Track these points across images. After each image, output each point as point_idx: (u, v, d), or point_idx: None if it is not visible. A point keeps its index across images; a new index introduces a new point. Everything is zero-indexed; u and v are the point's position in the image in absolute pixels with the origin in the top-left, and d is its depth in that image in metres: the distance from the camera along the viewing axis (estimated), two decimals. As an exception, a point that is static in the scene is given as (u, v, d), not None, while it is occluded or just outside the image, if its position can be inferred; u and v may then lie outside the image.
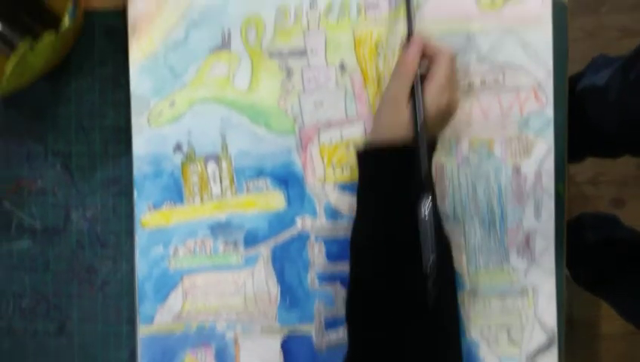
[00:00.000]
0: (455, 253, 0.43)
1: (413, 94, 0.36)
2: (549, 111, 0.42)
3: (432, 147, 0.38)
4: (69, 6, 0.38)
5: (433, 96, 0.36)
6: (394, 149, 0.36)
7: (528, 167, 0.42)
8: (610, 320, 1.03)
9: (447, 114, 0.37)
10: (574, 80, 0.79)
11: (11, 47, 0.44)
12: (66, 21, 0.38)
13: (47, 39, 0.37)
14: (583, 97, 0.73)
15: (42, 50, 0.37)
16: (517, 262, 0.43)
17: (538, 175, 0.42)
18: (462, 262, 0.43)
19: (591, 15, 1.00)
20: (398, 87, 0.37)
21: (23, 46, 0.35)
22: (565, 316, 0.43)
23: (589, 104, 0.72)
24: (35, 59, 0.37)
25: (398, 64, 0.38)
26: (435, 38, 0.42)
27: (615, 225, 0.94)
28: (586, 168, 1.00)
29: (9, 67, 0.34)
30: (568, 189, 1.08)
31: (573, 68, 0.82)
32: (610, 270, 0.84)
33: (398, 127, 0.36)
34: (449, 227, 0.43)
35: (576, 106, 0.63)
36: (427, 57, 0.38)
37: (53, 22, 0.45)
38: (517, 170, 0.43)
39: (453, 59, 0.37)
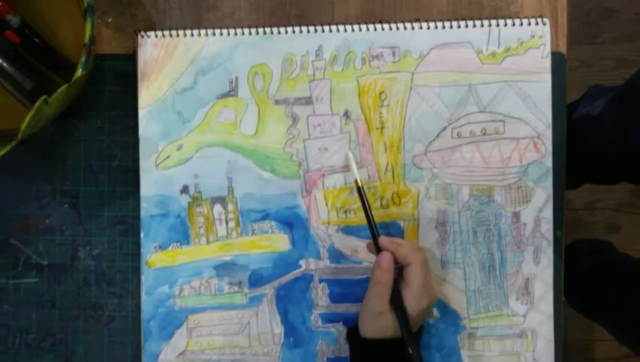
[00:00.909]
0: (456, 296, 0.44)
1: (394, 301, 0.39)
2: (548, 161, 0.43)
3: (418, 335, 0.41)
4: (82, 57, 0.39)
5: (414, 301, 0.38)
6: (383, 342, 0.39)
7: (527, 214, 0.44)
8: (604, 345, 1.04)
9: (428, 309, 0.39)
10: (570, 109, 0.81)
11: (23, 92, 0.45)
12: (79, 72, 0.39)
13: (61, 90, 0.38)
14: (579, 126, 0.75)
15: (55, 101, 0.38)
16: (516, 305, 0.44)
17: (537, 222, 0.44)
18: (462, 304, 0.44)
19: (587, 45, 1.02)
20: (377, 301, 0.39)
21: (39, 101, 0.35)
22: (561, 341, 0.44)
23: (585, 132, 0.73)
24: (49, 110, 0.38)
25: (373, 277, 0.40)
26: (436, 90, 0.44)
27: (610, 251, 0.95)
28: (582, 194, 1.02)
29: (26, 120, 0.35)
30: (564, 215, 1.09)
31: (570, 96, 0.84)
32: (605, 295, 0.85)
33: (383, 331, 0.38)
34: (451, 272, 0.44)
35: (572, 134, 0.65)
36: (400, 263, 0.40)
37: (64, 66, 0.46)
38: (516, 217, 0.44)
39: (424, 261, 0.39)
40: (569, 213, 1.02)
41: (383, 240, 0.40)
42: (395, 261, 0.39)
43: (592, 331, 1.04)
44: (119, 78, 0.47)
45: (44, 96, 0.36)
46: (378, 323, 0.39)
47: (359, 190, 0.42)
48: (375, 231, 0.41)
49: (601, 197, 1.02)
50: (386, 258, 0.39)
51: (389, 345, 0.38)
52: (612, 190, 1.02)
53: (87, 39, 0.39)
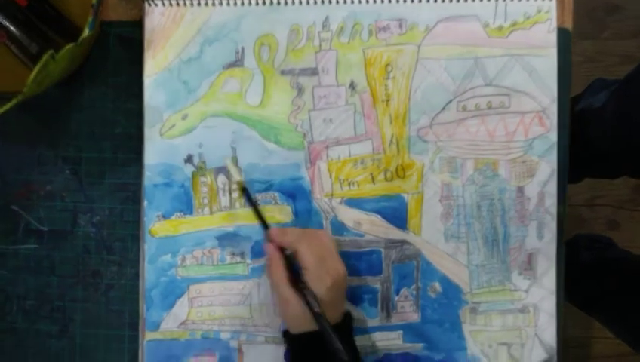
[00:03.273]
0: (458, 270, 0.44)
1: (297, 288, 0.38)
2: (553, 136, 0.43)
3: (349, 318, 0.41)
4: (89, 18, 0.39)
5: (316, 281, 0.38)
6: (305, 337, 0.38)
7: (532, 189, 0.44)
8: (602, 342, 1.03)
9: (338, 284, 0.39)
10: (573, 102, 0.81)
11: (29, 55, 0.45)
12: (85, 32, 0.39)
13: (67, 48, 0.38)
14: (581, 118, 0.75)
15: (62, 59, 0.38)
16: (519, 280, 0.44)
17: (541, 196, 0.44)
18: (465, 279, 0.44)
19: (592, 40, 1.02)
20: (279, 290, 0.39)
21: (46, 56, 0.35)
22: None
23: (587, 125, 0.73)
24: (55, 67, 0.38)
25: (266, 269, 0.41)
26: (442, 63, 0.44)
27: (609, 247, 0.95)
28: (583, 190, 1.02)
29: (32, 74, 0.35)
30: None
31: (574, 91, 0.84)
32: (604, 290, 0.85)
33: (304, 323, 0.38)
34: (454, 246, 0.44)
35: (574, 127, 0.65)
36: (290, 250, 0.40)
37: (70, 31, 0.46)
38: (521, 191, 0.44)
39: (312, 242, 0.39)
40: (570, 209, 1.02)
41: (272, 231, 0.41)
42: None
43: (590, 328, 1.03)
44: (125, 46, 0.47)
45: (50, 51, 0.36)
46: (292, 310, 0.38)
47: (243, 190, 0.43)
48: (265, 225, 0.42)
49: (602, 193, 1.02)
50: (266, 248, 0.41)
51: (317, 336, 0.38)
52: (613, 187, 1.02)
53: (94, 0, 0.39)
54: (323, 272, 0.38)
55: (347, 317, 0.41)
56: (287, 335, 0.40)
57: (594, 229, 1.03)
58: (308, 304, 0.37)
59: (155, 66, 0.46)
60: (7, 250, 0.47)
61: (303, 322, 0.38)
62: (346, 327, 0.40)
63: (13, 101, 0.37)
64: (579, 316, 0.95)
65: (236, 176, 0.43)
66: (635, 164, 0.71)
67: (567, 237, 0.97)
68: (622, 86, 0.68)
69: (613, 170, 0.82)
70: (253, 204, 0.43)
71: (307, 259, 0.38)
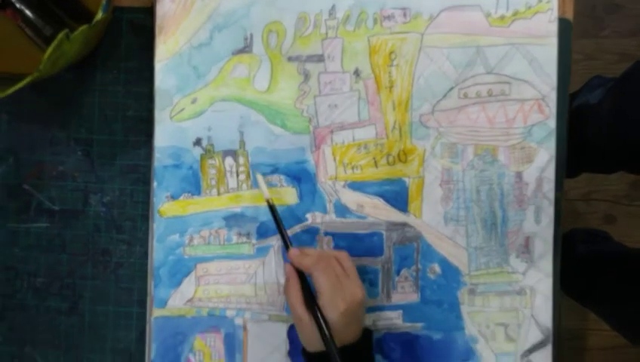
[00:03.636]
0: (457, 253, 0.46)
1: (311, 310, 0.39)
2: (552, 123, 0.45)
3: (368, 336, 0.41)
4: (103, 0, 0.40)
5: (329, 307, 0.39)
6: (320, 356, 0.39)
7: (530, 174, 0.45)
8: (598, 333, 1.05)
9: (352, 309, 0.39)
10: (570, 98, 0.82)
11: (43, 38, 0.47)
12: (99, 14, 0.41)
13: (81, 30, 0.39)
14: (578, 115, 0.76)
15: (76, 40, 0.39)
16: (516, 263, 0.45)
17: (539, 182, 0.45)
18: (463, 261, 0.45)
19: (591, 38, 1.04)
20: (294, 310, 0.40)
21: (61, 35, 0.37)
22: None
23: (584, 121, 0.75)
24: (69, 47, 0.39)
25: (284, 287, 0.41)
26: (444, 51, 0.45)
27: (606, 240, 0.97)
28: (580, 185, 1.03)
29: (47, 52, 0.36)
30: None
31: (572, 88, 0.86)
32: (599, 282, 0.87)
33: (315, 341, 0.39)
34: (453, 229, 0.46)
35: (571, 123, 0.66)
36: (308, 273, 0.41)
37: (84, 15, 0.48)
38: (519, 177, 0.45)
39: (328, 267, 0.40)
40: (567, 204, 1.03)
41: (291, 252, 0.42)
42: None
43: (587, 320, 1.05)
44: (136, 31, 0.48)
45: (65, 30, 0.37)
46: (305, 330, 0.39)
47: (271, 208, 0.44)
48: (286, 245, 0.42)
49: (598, 188, 1.03)
50: (285, 268, 0.42)
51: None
52: (610, 182, 1.03)
53: (109, -16, 0.41)
54: (337, 297, 0.39)
55: (366, 335, 0.41)
56: (304, 351, 0.41)
57: (591, 223, 1.04)
58: (319, 327, 0.38)
59: (165, 51, 0.47)
60: (19, 229, 0.49)
61: (316, 342, 0.39)
62: (365, 345, 0.41)
63: (29, 78, 0.38)
64: (575, 308, 0.96)
65: (265, 193, 0.44)
66: (630, 160, 0.72)
67: (564, 230, 0.99)
68: (618, 83, 0.70)
69: (609, 165, 0.83)
70: (279, 223, 0.43)
71: (322, 284, 0.39)
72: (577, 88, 0.86)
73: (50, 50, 0.36)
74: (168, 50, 0.47)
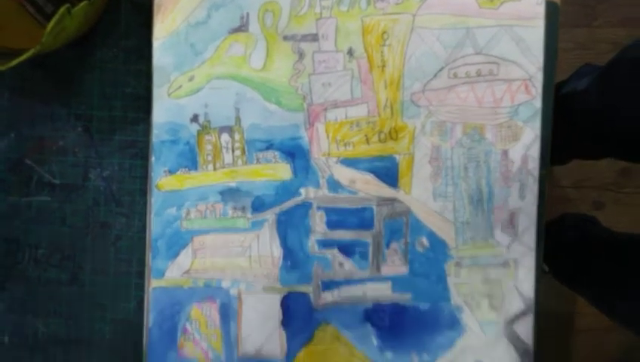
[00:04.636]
0: (445, 227, 0.47)
1: None
2: (538, 103, 0.46)
3: None
4: (105, -22, 0.42)
5: None
6: None
7: (516, 152, 0.47)
8: (586, 316, 1.08)
9: None
10: (560, 86, 0.84)
11: (44, 15, 0.48)
12: (101, -9, 0.42)
13: (82, 5, 0.40)
14: (566, 101, 0.78)
15: (77, 15, 0.40)
16: (501, 237, 0.47)
17: (524, 159, 0.47)
18: (451, 235, 0.47)
19: (583, 28, 1.05)
20: None
21: (62, 9, 0.38)
22: (542, 310, 0.47)
23: (571, 108, 0.76)
24: (70, 22, 0.40)
25: None
26: (435, 32, 0.46)
27: (594, 225, 0.99)
28: (570, 172, 1.05)
29: (49, 26, 0.38)
30: (552, 192, 1.14)
31: (564, 77, 0.87)
32: (587, 265, 0.89)
33: None
34: (441, 204, 0.47)
35: (560, 110, 0.67)
36: None
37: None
38: (505, 154, 0.47)
39: None
40: (557, 190, 1.06)
41: None
42: None
43: (575, 303, 1.07)
44: (135, 10, 0.49)
45: (67, 5, 0.38)
46: None
47: None
48: None
49: (588, 175, 1.05)
50: None
51: None
52: (599, 170, 1.06)
53: (110, -39, 0.42)
54: None
55: None
56: None
57: (580, 210, 1.06)
58: None
59: (163, 30, 0.48)
60: (21, 202, 0.50)
61: None
62: None
63: (31, 51, 0.39)
64: (564, 292, 0.98)
65: None
66: (618, 146, 0.74)
67: (554, 216, 1.01)
68: (605, 70, 0.71)
69: (597, 151, 0.85)
70: None
71: None
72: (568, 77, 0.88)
73: (52, 23, 0.38)
74: (166, 28, 0.48)
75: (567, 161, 0.96)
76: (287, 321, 0.48)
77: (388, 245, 0.48)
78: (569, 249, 0.95)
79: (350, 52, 0.48)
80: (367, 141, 0.48)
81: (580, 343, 1.10)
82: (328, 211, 0.48)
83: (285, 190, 0.48)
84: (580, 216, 0.99)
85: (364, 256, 0.48)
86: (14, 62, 0.39)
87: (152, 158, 0.48)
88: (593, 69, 0.81)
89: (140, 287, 0.49)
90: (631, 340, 1.10)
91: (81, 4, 0.40)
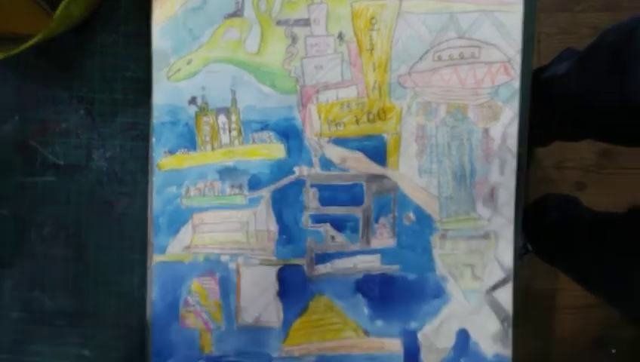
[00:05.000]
0: (430, 201, 0.50)
1: None
2: (516, 84, 0.49)
3: None
4: (106, -34, 0.44)
5: None
6: None
7: (496, 130, 0.50)
8: (568, 293, 1.12)
9: None
10: (541, 70, 0.87)
11: (47, 1, 0.49)
12: (103, -22, 0.44)
13: (86, -7, 0.42)
14: (547, 85, 0.81)
15: (82, 1, 0.42)
16: (482, 210, 0.50)
17: (504, 137, 0.50)
18: (436, 209, 0.50)
19: (566, 12, 1.08)
20: None
21: (69, -4, 0.40)
22: (525, 288, 0.50)
23: (551, 91, 0.79)
24: (75, 8, 0.42)
25: None
26: (421, 17, 0.49)
27: (576, 205, 1.03)
28: (552, 154, 1.09)
29: (57, 13, 0.40)
30: (535, 173, 1.17)
31: (546, 61, 0.90)
32: (569, 243, 0.93)
33: None
34: (427, 180, 0.50)
35: (540, 94, 0.70)
36: None
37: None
38: (486, 133, 0.50)
39: None
40: (539, 171, 1.09)
41: None
42: None
43: (557, 280, 1.12)
44: (134, -4, 0.51)
45: (73, -8, 0.40)
46: None
47: None
48: None
49: (570, 157, 1.09)
50: None
51: None
52: (581, 151, 1.09)
53: (110, -50, 0.44)
54: None
55: None
56: None
57: (562, 190, 1.10)
58: None
59: (162, 15, 0.50)
60: (26, 182, 0.52)
61: None
62: None
63: (38, 37, 0.41)
64: (546, 269, 1.02)
65: None
66: (596, 130, 0.77)
67: (537, 196, 1.05)
68: (584, 55, 0.74)
69: (576, 133, 0.89)
70: None
71: None
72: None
73: (60, 10, 0.40)
74: (164, 13, 0.50)
75: (548, 142, 1.00)
76: (283, 292, 0.51)
77: (377, 219, 0.51)
78: (552, 228, 0.99)
79: (340, 36, 0.50)
80: (357, 121, 0.50)
81: (562, 320, 1.15)
82: (321, 188, 0.51)
83: (280, 168, 0.51)
84: (562, 197, 1.03)
85: (354, 230, 0.51)
86: (22, 48, 0.41)
87: (153, 139, 0.51)
88: (573, 54, 0.84)
89: (143, 263, 0.52)
90: (613, 317, 1.15)
91: (85, -9, 0.42)
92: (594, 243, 0.87)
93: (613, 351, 1.13)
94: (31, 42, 0.41)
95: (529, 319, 1.12)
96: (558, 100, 0.78)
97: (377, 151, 0.50)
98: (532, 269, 1.09)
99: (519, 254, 1.13)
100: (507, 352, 0.50)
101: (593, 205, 0.97)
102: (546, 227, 1.00)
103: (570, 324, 1.14)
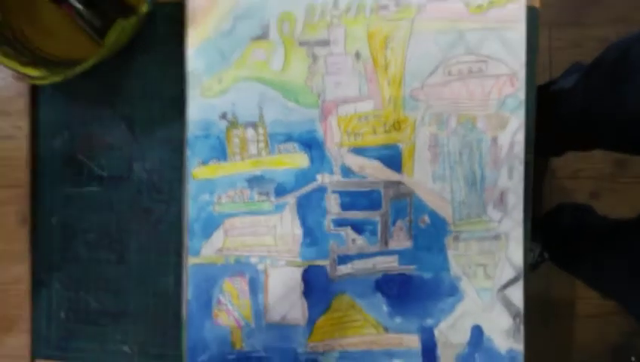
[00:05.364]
0: (444, 206, 0.54)
1: None
2: (521, 95, 0.53)
3: None
4: (148, -3, 0.49)
5: None
6: None
7: (504, 139, 0.53)
8: (585, 302, 1.13)
9: None
10: (550, 84, 0.90)
11: (93, 28, 0.55)
12: (144, 7, 0.49)
13: (133, 20, 0.48)
14: (555, 98, 0.83)
15: (129, 28, 0.48)
16: (493, 213, 0.54)
17: (511, 145, 0.53)
18: (449, 213, 0.54)
19: (576, 26, 1.11)
20: None
21: (119, 24, 0.45)
22: (543, 297, 0.52)
23: (559, 105, 0.82)
24: (122, 35, 0.48)
25: None
26: (431, 36, 0.53)
27: (590, 214, 1.04)
28: (567, 164, 1.11)
29: (110, 40, 0.45)
30: (550, 183, 1.19)
31: (556, 75, 0.93)
32: (584, 249, 0.94)
33: None
34: (440, 185, 0.54)
35: (549, 107, 0.72)
36: None
37: (124, 10, 0.56)
38: (495, 141, 0.54)
39: None
40: (555, 181, 1.12)
41: None
42: None
43: (575, 289, 1.13)
44: (169, 22, 0.57)
45: (122, 21, 0.45)
46: None
47: None
48: None
49: (585, 166, 1.11)
50: None
51: None
52: (595, 161, 1.11)
53: (152, -17, 0.49)
54: None
55: None
56: None
57: (577, 199, 1.12)
58: None
59: (196, 38, 0.55)
60: (74, 192, 0.58)
61: None
62: None
63: (91, 61, 0.47)
64: (564, 277, 1.04)
65: None
66: (604, 140, 0.79)
67: (552, 205, 1.07)
68: (589, 68, 0.77)
69: (585, 144, 0.90)
70: None
71: None
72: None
73: (112, 37, 0.45)
74: (198, 37, 0.55)
75: (561, 153, 1.02)
76: (307, 292, 0.55)
77: (394, 223, 0.55)
78: (566, 236, 1.00)
79: (357, 55, 0.55)
80: (374, 132, 0.55)
81: (581, 328, 1.15)
82: (341, 194, 0.55)
83: (303, 176, 0.55)
84: (576, 205, 1.05)
85: (373, 232, 0.55)
86: (77, 71, 0.47)
87: (188, 151, 0.56)
88: (581, 67, 0.87)
89: (179, 265, 0.56)
90: (632, 325, 1.15)
91: (132, 19, 0.47)
92: (608, 248, 0.88)
93: (633, 358, 1.13)
94: (85, 65, 0.46)
95: (548, 327, 1.13)
96: (566, 113, 0.80)
97: (393, 159, 0.54)
98: (550, 278, 1.11)
99: (535, 262, 1.15)
100: (519, 347, 0.53)
101: (608, 214, 0.99)
102: (561, 234, 1.02)
103: (589, 332, 1.15)
